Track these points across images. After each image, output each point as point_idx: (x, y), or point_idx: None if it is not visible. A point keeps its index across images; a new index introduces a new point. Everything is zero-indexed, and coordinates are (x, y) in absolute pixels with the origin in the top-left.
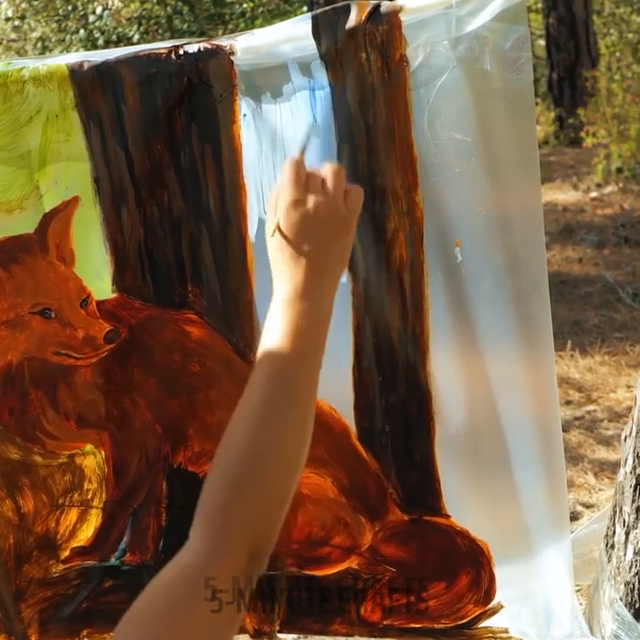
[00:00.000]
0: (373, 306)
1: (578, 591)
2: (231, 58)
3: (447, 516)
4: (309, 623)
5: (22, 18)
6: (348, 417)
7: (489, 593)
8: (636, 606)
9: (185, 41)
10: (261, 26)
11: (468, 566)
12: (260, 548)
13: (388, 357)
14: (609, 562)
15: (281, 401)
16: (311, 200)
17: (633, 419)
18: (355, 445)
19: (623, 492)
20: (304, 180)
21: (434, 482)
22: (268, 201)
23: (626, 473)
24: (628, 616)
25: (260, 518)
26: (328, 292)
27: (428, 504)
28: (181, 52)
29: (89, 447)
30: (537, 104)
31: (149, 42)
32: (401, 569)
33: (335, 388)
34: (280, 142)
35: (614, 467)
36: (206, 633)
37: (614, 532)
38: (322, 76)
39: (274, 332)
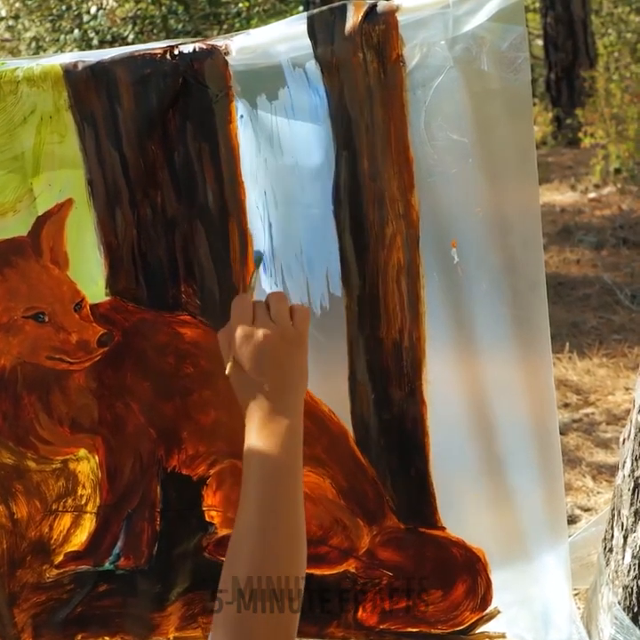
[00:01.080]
0: (367, 323)
1: (576, 595)
2: (226, 58)
3: (443, 528)
4: (305, 626)
5: (16, 17)
6: (347, 422)
7: (486, 599)
8: (635, 610)
9: (180, 41)
10: (257, 25)
11: (464, 575)
12: None
13: (382, 376)
14: (607, 565)
15: (276, 510)
16: (260, 332)
17: (631, 421)
18: (353, 449)
19: (621, 496)
20: (251, 316)
21: (429, 496)
22: (220, 340)
23: (624, 476)
24: (627, 620)
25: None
26: (295, 409)
27: (424, 517)
28: (176, 52)
29: (82, 452)
30: (534, 104)
31: (144, 42)
32: (398, 573)
33: (334, 395)
34: (277, 142)
35: (612, 470)
36: None
37: (612, 536)
38: (318, 77)
39: (256, 450)
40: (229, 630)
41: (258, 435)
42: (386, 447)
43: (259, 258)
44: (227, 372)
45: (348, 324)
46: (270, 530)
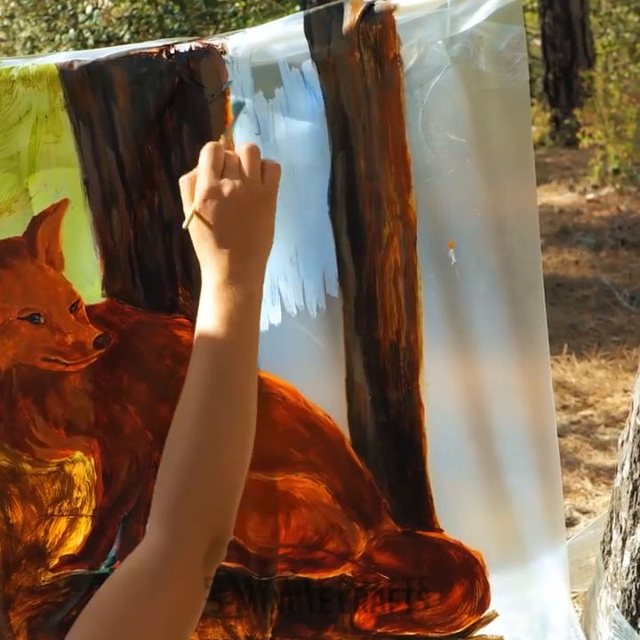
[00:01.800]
0: (364, 325)
1: (574, 598)
2: (223, 57)
3: (440, 531)
4: (302, 630)
5: (11, 17)
6: (343, 424)
7: (483, 602)
8: (633, 614)
9: (176, 40)
10: (253, 25)
11: (461, 578)
12: (218, 539)
13: (379, 377)
14: (606, 568)
15: (221, 392)
16: (228, 185)
17: (630, 423)
18: (349, 453)
19: (620, 498)
20: (221, 166)
21: (426, 498)
22: (181, 187)
23: (623, 478)
24: (625, 623)
25: (213, 509)
26: (257, 274)
27: (421, 520)
28: (172, 51)
29: (78, 454)
30: (532, 105)
31: (140, 41)
32: (395, 577)
33: (330, 397)
34: (273, 143)
35: (611, 472)
36: (167, 621)
37: (611, 539)
38: (314, 77)
39: (208, 321)
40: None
41: (212, 300)
42: (383, 449)
43: (238, 107)
44: (184, 225)
45: (344, 325)
46: (213, 401)
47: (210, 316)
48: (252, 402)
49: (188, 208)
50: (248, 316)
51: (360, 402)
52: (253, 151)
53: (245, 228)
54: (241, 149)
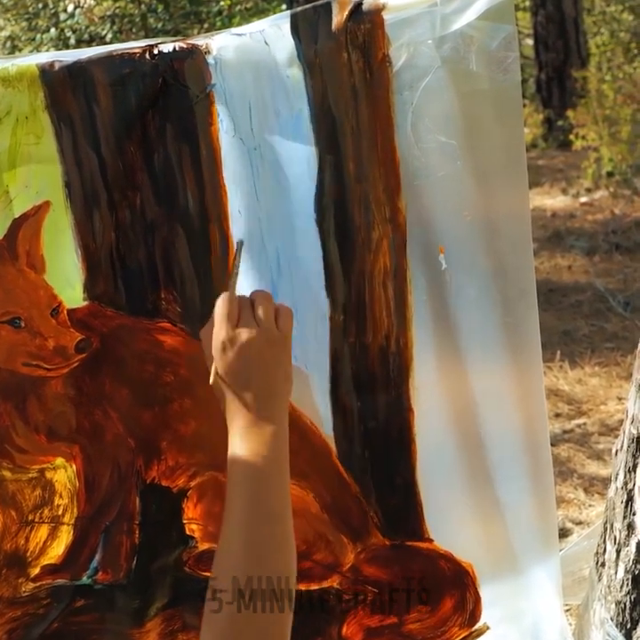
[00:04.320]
0: (352, 334)
1: (567, 611)
2: (207, 58)
3: (430, 540)
4: None
5: None
6: (329, 436)
7: (474, 614)
8: (628, 626)
9: (159, 40)
10: (239, 24)
11: (452, 589)
12: None
13: (368, 383)
14: (599, 580)
15: (261, 520)
16: (245, 334)
17: (624, 432)
18: (336, 465)
19: (614, 508)
20: (236, 316)
21: (416, 506)
22: (202, 339)
23: (617, 488)
24: (620, 637)
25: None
26: (280, 414)
27: (410, 529)
28: (156, 51)
29: (60, 461)
30: (525, 106)
31: (123, 41)
32: (384, 590)
33: (315, 410)
34: (259, 146)
35: (605, 482)
36: None
37: (605, 550)
38: (301, 78)
39: (240, 458)
40: (218, 633)
41: (241, 440)
42: (370, 460)
43: (239, 245)
44: (211, 381)
45: (331, 332)
46: (256, 528)
47: (241, 453)
48: (289, 521)
49: (209, 359)
50: (276, 450)
51: (347, 412)
52: (267, 298)
53: (265, 373)
54: (255, 297)
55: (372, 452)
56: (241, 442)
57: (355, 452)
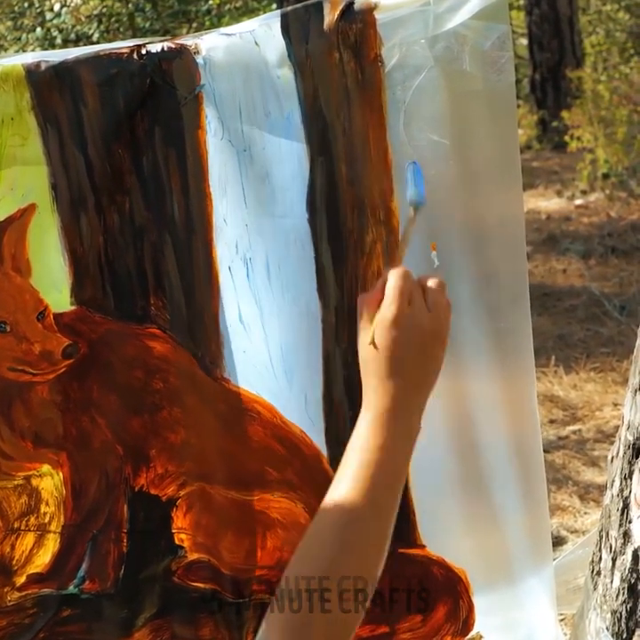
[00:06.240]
0: (345, 338)
1: (562, 620)
2: (196, 58)
3: (422, 547)
4: None
5: None
6: (320, 442)
7: (467, 623)
8: (624, 636)
9: (147, 40)
10: (228, 24)
11: (445, 596)
12: None
13: (360, 391)
14: (595, 589)
15: (365, 514)
16: (416, 316)
17: (620, 438)
18: (327, 471)
19: (610, 516)
20: (408, 295)
21: (408, 512)
22: (360, 305)
23: (612, 495)
24: None
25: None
26: (420, 409)
27: (402, 535)
28: (144, 51)
29: (46, 468)
30: (519, 106)
31: (110, 41)
32: (375, 599)
33: (307, 412)
34: (248, 149)
35: (601, 489)
36: None
37: (600, 558)
38: (291, 78)
39: (363, 445)
40: (288, 633)
41: (372, 425)
42: None
43: (415, 202)
44: (368, 342)
45: (323, 337)
46: (362, 522)
47: (366, 440)
48: (391, 525)
49: (366, 327)
50: (404, 447)
51: (339, 417)
52: (442, 285)
53: (420, 362)
54: (432, 282)
55: None
56: (369, 428)
57: None
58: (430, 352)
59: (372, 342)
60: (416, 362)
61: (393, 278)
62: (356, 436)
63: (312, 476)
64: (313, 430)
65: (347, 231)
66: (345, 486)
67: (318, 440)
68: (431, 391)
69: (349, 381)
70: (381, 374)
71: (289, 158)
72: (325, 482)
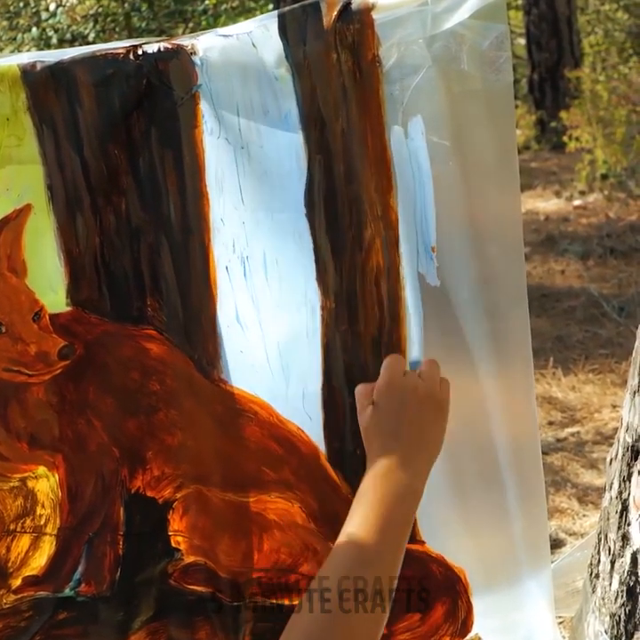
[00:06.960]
0: (345, 321)
1: (560, 623)
2: (193, 58)
3: (422, 543)
4: None
5: None
6: (318, 437)
7: (466, 623)
8: (622, 639)
9: (144, 40)
10: (225, 24)
11: (443, 595)
12: None
13: (360, 376)
14: (593, 592)
15: (363, 572)
16: (410, 381)
17: (619, 440)
18: (325, 468)
19: (608, 519)
20: (403, 368)
21: None
22: (357, 394)
23: (611, 498)
24: None
25: None
26: (422, 473)
27: None
28: (140, 51)
29: (42, 470)
30: (517, 107)
31: (106, 41)
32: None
33: (304, 407)
34: (245, 149)
35: (599, 491)
36: None
37: (599, 561)
38: (289, 79)
39: (364, 501)
40: (315, 631)
41: (373, 482)
42: (362, 457)
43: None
44: (368, 415)
45: (323, 325)
46: (378, 532)
47: (366, 496)
48: (394, 579)
49: (364, 406)
50: (405, 506)
51: (338, 407)
52: (434, 363)
53: (419, 425)
54: (423, 363)
55: (363, 450)
56: (371, 486)
57: (346, 449)
58: (427, 416)
59: (372, 407)
60: (415, 425)
61: (387, 359)
62: (360, 492)
63: (309, 473)
64: (310, 426)
65: (344, 227)
66: (344, 534)
67: (316, 435)
68: (434, 459)
69: (349, 369)
70: (382, 433)
71: (287, 155)
72: (323, 478)
